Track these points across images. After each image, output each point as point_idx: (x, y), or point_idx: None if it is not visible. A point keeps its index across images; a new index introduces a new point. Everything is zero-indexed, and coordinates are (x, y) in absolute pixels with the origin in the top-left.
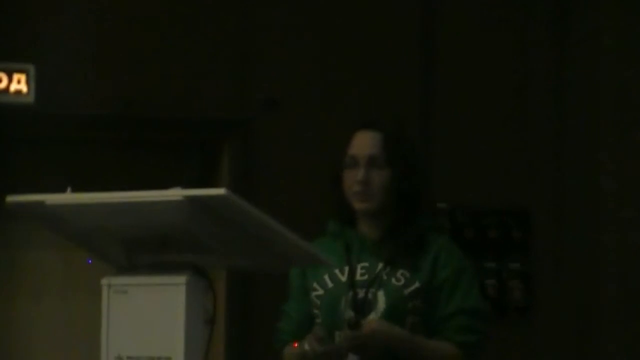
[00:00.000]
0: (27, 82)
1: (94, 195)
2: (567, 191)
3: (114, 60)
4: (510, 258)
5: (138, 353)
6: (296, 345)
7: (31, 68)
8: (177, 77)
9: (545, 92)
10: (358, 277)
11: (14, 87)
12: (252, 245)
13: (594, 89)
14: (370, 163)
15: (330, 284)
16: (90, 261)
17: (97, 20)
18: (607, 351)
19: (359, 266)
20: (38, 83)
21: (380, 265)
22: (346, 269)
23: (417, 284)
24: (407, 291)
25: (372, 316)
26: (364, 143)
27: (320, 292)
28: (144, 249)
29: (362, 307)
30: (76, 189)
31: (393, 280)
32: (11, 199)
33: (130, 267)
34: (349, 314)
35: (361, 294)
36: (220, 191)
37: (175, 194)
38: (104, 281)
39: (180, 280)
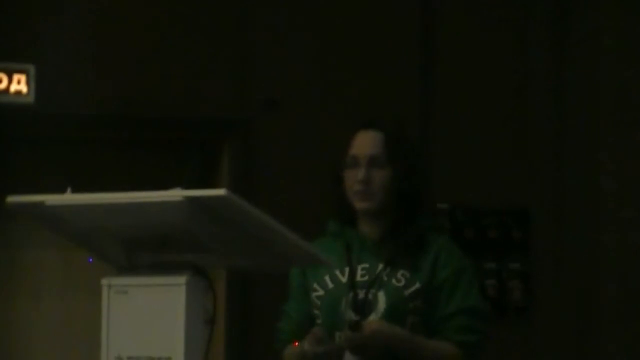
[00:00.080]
0: (27, 83)
1: (94, 195)
2: (567, 191)
3: (114, 60)
4: (510, 258)
5: (138, 353)
6: (296, 344)
7: (31, 68)
8: (177, 77)
9: (545, 92)
10: (358, 277)
11: (14, 87)
12: (252, 245)
13: (594, 89)
14: (371, 163)
15: (330, 285)
16: (91, 260)
17: (97, 20)
18: (607, 351)
19: (359, 267)
20: (38, 83)
21: (381, 266)
22: (346, 269)
23: (417, 285)
24: (407, 292)
25: (373, 317)
26: (365, 143)
27: (321, 292)
28: (144, 249)
29: (363, 308)
30: (76, 188)
31: (393, 281)
32: (11, 199)
33: (130, 267)
34: (350, 314)
35: (361, 294)
36: (220, 192)
37: (175, 194)
38: (104, 282)
39: (180, 281)
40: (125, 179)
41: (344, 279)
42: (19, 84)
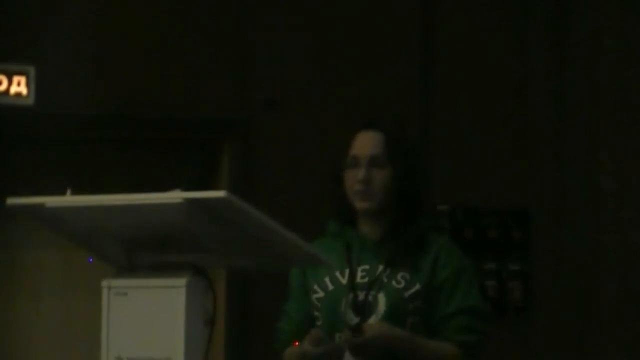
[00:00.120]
0: (27, 84)
1: (94, 197)
2: (567, 191)
3: (114, 60)
4: (510, 258)
5: (138, 355)
6: (296, 344)
7: (31, 70)
8: (177, 77)
9: (545, 92)
10: (358, 279)
11: (13, 89)
12: (252, 246)
13: (594, 89)
14: (371, 163)
15: (330, 287)
16: (91, 260)
17: (97, 20)
18: (607, 351)
19: (359, 269)
20: (38, 83)
21: (381, 268)
22: (346, 271)
23: (417, 286)
24: (407, 293)
25: (373, 318)
26: (365, 143)
27: (321, 294)
28: (144, 249)
29: (363, 310)
30: (76, 188)
31: (393, 282)
32: (11, 201)
33: (130, 267)
34: (350, 316)
35: (361, 296)
36: (220, 193)
37: (175, 196)
38: (104, 283)
39: (180, 283)
40: (125, 179)
41: (343, 281)
42: (19, 86)
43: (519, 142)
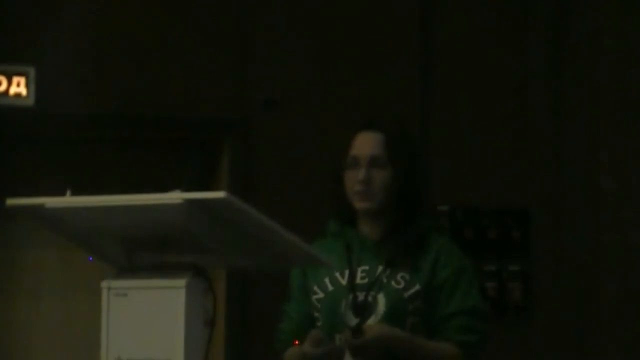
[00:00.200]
0: (27, 85)
1: (94, 198)
2: (567, 191)
3: (114, 60)
4: (510, 258)
5: (138, 355)
6: (297, 343)
7: (31, 71)
8: (177, 77)
9: (545, 92)
10: (358, 280)
11: (13, 89)
12: (252, 246)
13: (594, 89)
14: (371, 163)
15: (330, 287)
16: (91, 259)
17: (97, 20)
18: (607, 351)
19: (359, 269)
20: (38, 84)
21: (380, 268)
22: (346, 272)
23: (417, 287)
24: (407, 294)
25: (372, 319)
26: (365, 143)
27: (321, 295)
28: (144, 249)
29: (362, 310)
30: (76, 188)
31: (393, 283)
32: (11, 201)
33: (130, 268)
34: (349, 317)
35: (361, 297)
36: (219, 194)
37: (175, 197)
38: (104, 284)
39: (180, 284)
40: (125, 179)
41: (343, 282)
42: (19, 87)
43: (519, 142)
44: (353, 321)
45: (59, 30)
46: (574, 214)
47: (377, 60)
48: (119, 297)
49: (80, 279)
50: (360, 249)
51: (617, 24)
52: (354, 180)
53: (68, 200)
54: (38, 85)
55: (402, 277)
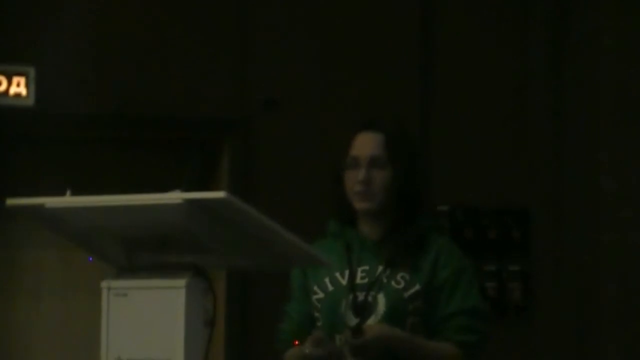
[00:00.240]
0: (27, 85)
1: (94, 198)
2: (567, 191)
3: (114, 60)
4: (510, 258)
5: (138, 356)
6: (297, 343)
7: (31, 71)
8: (177, 77)
9: (545, 92)
10: (358, 280)
11: (13, 90)
12: (252, 246)
13: (594, 89)
14: (371, 164)
15: (330, 287)
16: (91, 259)
17: (97, 20)
18: (607, 351)
19: (359, 269)
20: (38, 84)
21: (380, 268)
22: (346, 272)
23: (417, 287)
24: (407, 294)
25: (372, 319)
26: (365, 144)
27: (321, 295)
28: (144, 249)
29: (362, 310)
30: (76, 188)
31: (393, 283)
32: (11, 202)
33: (130, 268)
34: (349, 317)
35: (361, 297)
36: (219, 194)
37: (175, 197)
38: (104, 284)
39: (180, 284)
40: (125, 179)
41: (343, 282)
42: (19, 87)
43: (519, 142)
44: (353, 321)
45: (59, 30)
46: (574, 214)
47: (377, 60)
48: (119, 297)
49: (80, 279)
50: (360, 249)
51: (617, 24)
52: (354, 180)
53: (68, 200)
54: (38, 85)
55: (402, 277)
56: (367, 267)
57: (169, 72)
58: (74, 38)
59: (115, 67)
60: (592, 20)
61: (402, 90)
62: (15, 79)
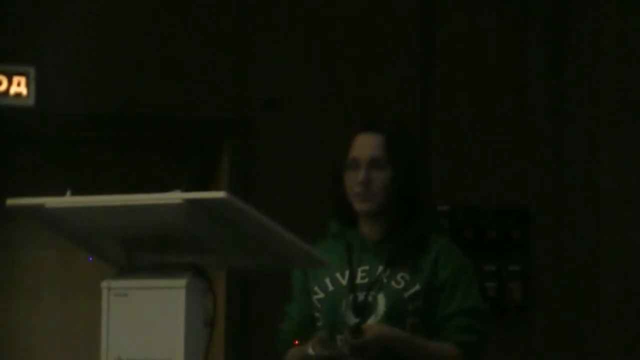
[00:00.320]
0: (27, 85)
1: (94, 198)
2: (567, 191)
3: (114, 60)
4: (510, 258)
5: (138, 356)
6: (297, 343)
7: (31, 70)
8: (177, 77)
9: (545, 92)
10: (358, 280)
11: (13, 89)
12: (252, 246)
13: (594, 89)
14: (371, 164)
15: (330, 287)
16: (91, 259)
17: (97, 20)
18: (607, 351)
19: (359, 269)
20: (38, 84)
21: (380, 269)
22: (347, 272)
23: (417, 287)
24: (407, 294)
25: (372, 319)
26: (365, 145)
27: (321, 295)
28: (144, 249)
29: (363, 310)
30: (76, 188)
31: (393, 283)
32: (11, 202)
33: (130, 268)
34: (350, 317)
35: (361, 297)
36: (219, 194)
37: (175, 197)
38: (104, 284)
39: (180, 284)
40: (125, 179)
41: (344, 282)
42: (19, 86)
43: (519, 142)
44: (353, 321)
45: (59, 30)
46: (574, 214)
47: (377, 60)
48: (119, 297)
49: (80, 279)
50: (360, 249)
51: (617, 24)
52: (354, 181)
53: (68, 200)
54: (38, 85)
55: (402, 277)
56: (367, 267)
57: (169, 72)
58: (74, 38)
59: (115, 67)
60: (592, 20)
61: (402, 90)
62: (15, 79)
